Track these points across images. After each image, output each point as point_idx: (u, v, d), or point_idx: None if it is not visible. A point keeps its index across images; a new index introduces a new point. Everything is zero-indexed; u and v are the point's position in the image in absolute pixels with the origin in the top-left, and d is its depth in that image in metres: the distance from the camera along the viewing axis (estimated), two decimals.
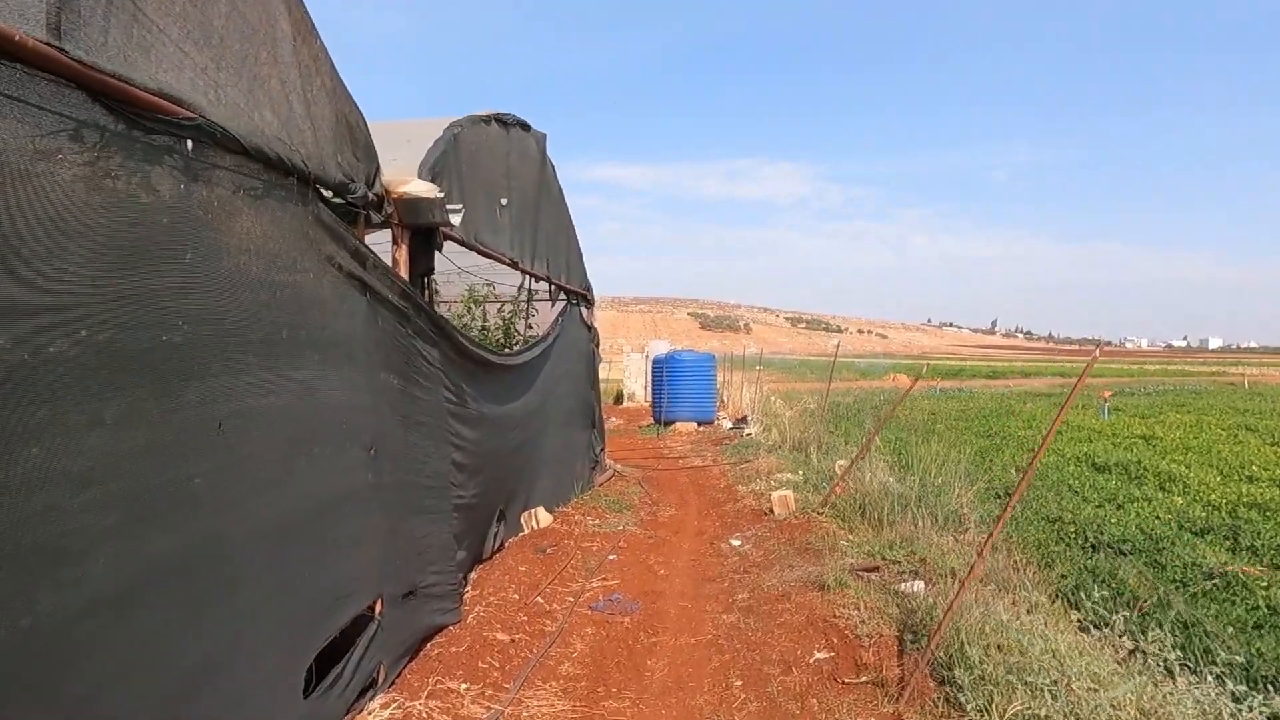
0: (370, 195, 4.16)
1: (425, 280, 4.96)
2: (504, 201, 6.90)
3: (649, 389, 24.79)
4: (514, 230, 7.23)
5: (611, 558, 7.53)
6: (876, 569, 6.42)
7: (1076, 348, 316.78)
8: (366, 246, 4.06)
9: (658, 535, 8.53)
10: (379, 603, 4.17)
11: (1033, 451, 13.17)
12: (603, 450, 12.07)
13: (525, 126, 7.65)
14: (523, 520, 8.53)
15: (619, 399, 29.64)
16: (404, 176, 4.38)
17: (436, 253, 5.29)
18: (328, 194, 3.81)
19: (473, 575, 6.67)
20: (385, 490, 4.28)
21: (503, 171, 6.96)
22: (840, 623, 5.34)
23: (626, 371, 29.79)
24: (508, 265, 7.10)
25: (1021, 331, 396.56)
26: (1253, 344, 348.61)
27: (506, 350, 8.46)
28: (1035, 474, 10.80)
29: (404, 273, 4.66)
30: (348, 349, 3.92)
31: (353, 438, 3.95)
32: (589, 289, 10.83)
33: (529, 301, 10.05)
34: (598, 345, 11.45)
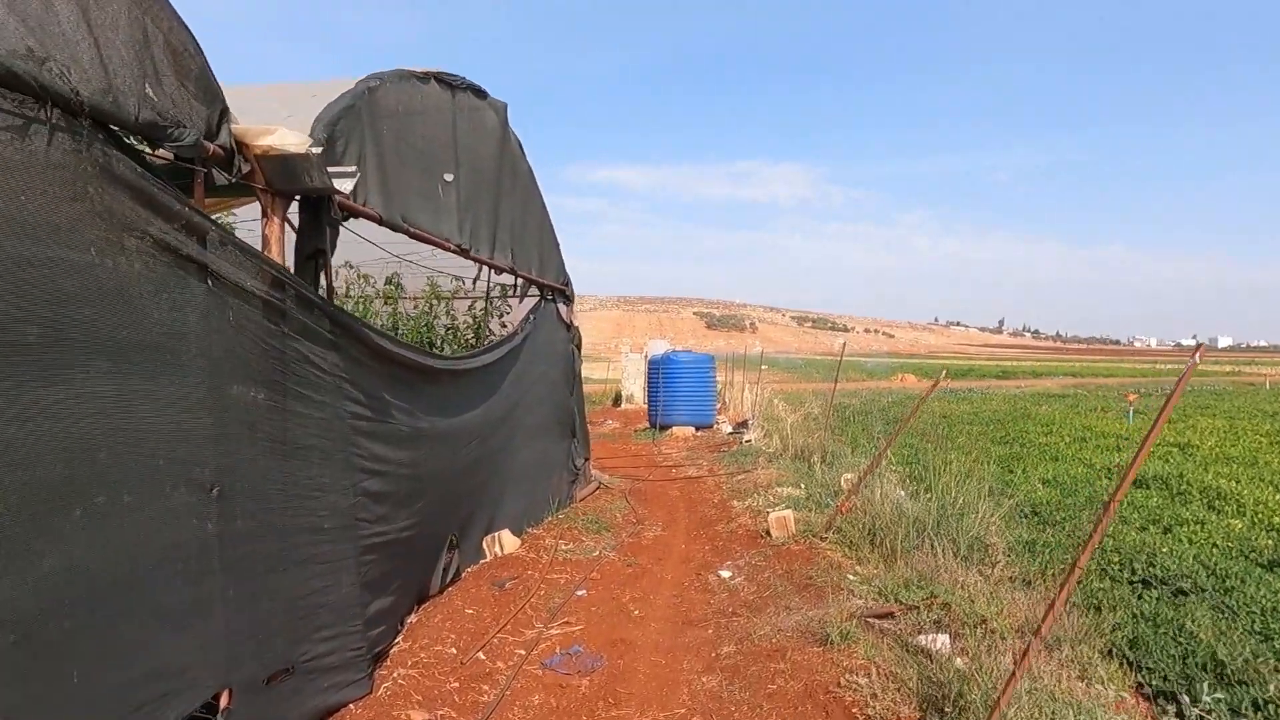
0: (212, 147, 3.10)
1: (318, 264, 3.90)
2: (448, 178, 5.85)
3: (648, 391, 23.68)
4: (464, 212, 6.17)
5: (580, 593, 6.47)
6: (891, 615, 5.34)
7: (1084, 346, 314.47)
8: (205, 215, 3.01)
9: (638, 563, 7.46)
10: (226, 695, 3.12)
11: (1057, 461, 12.06)
12: (586, 461, 11.01)
13: (479, 92, 6.58)
14: (485, 545, 7.49)
15: (617, 400, 28.60)
16: (268, 126, 3.32)
17: (343, 232, 4.24)
18: (132, 140, 2.75)
19: (411, 619, 5.64)
20: (239, 540, 3.22)
21: (446, 142, 5.90)
22: (846, 696, 4.26)
23: (625, 372, 28.69)
24: (454, 252, 6.04)
25: (1029, 330, 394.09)
26: (1262, 342, 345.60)
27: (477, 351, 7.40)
28: (1063, 489, 9.70)
29: (277, 254, 3.60)
30: (171, 355, 2.86)
31: (179, 475, 2.89)
32: (568, 283, 9.77)
33: (498, 298, 9.00)
34: (579, 346, 10.38)
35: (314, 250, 3.79)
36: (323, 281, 3.92)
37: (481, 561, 7.30)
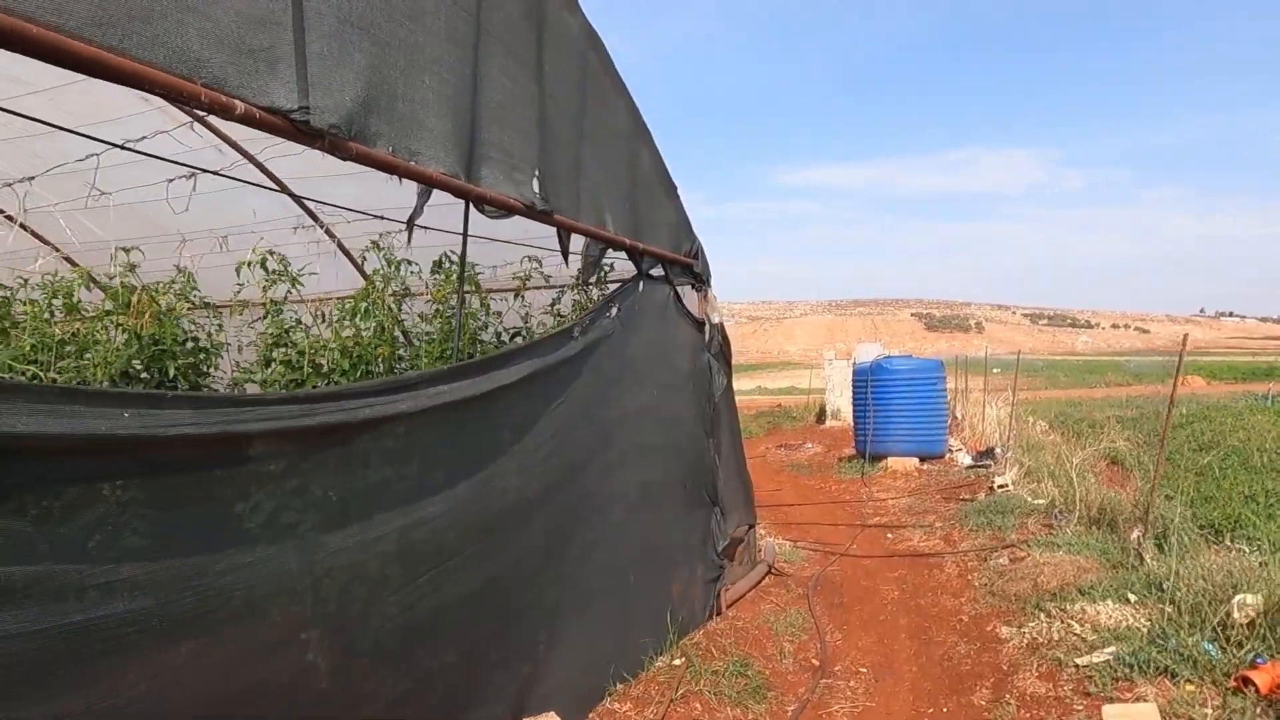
0: None
1: None
2: None
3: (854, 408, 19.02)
4: (335, 46, 2.55)
5: None
6: None
7: None
8: None
9: None
10: None
11: None
12: (750, 529, 7.06)
13: None
14: None
15: (821, 416, 24.08)
16: None
17: None
18: None
19: None
20: None
21: None
22: None
23: (829, 383, 24.09)
24: (286, 135, 2.41)
25: None
26: None
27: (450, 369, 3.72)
28: None
29: None
30: None
31: None
32: (697, 255, 5.92)
33: (571, 284, 5.34)
34: (724, 356, 6.45)
35: None
36: None
37: None
